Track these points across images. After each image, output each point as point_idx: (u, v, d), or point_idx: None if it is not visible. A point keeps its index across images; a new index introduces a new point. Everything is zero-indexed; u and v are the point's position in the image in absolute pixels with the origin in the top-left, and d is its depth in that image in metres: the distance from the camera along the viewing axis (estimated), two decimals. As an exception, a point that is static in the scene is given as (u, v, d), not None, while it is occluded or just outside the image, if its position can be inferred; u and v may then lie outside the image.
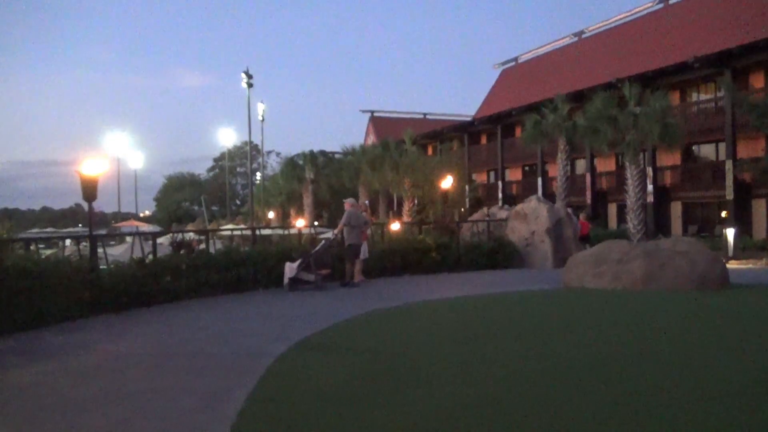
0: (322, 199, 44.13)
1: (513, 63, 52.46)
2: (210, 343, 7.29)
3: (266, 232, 19.56)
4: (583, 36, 45.17)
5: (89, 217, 10.08)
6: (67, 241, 12.63)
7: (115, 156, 58.18)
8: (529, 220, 17.26)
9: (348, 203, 12.91)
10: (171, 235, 11.94)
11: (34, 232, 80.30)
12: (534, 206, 17.45)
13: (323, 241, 12.70)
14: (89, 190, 9.77)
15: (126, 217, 69.49)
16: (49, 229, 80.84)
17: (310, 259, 12.16)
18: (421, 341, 7.02)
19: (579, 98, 29.90)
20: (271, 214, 50.53)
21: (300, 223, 41.79)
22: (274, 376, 5.60)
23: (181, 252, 11.64)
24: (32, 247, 10.02)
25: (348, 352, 6.62)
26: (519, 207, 18.03)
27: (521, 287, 11.78)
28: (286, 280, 12.05)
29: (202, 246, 13.25)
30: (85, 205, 10.20)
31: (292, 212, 47.61)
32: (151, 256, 11.07)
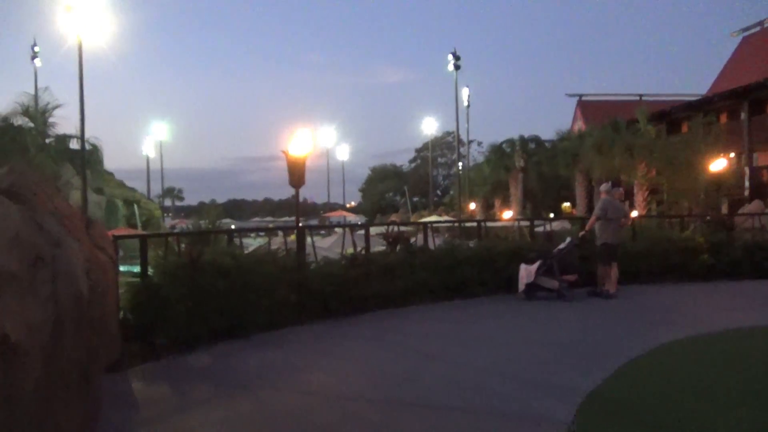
0: (529, 189, 40.90)
1: (757, 28, 44.22)
2: (446, 386, 5.14)
3: (492, 224, 17.13)
4: None
5: (296, 205, 8.62)
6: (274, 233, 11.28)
7: (324, 148, 60.72)
8: (838, 214, 12.83)
9: (604, 190, 10.06)
10: (386, 227, 10.12)
11: (254, 221, 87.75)
12: None
13: (568, 239, 10.05)
14: (296, 174, 8.27)
15: (334, 207, 72.48)
16: (267, 218, 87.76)
17: (552, 260, 9.61)
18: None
19: None
20: (472, 205, 48.40)
21: (507, 214, 39.29)
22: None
23: (398, 247, 9.79)
24: (236, 240, 8.79)
25: None
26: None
27: None
28: (521, 287, 9.65)
29: (413, 240, 11.33)
30: (299, 194, 8.81)
31: (497, 203, 45.05)
32: (361, 252, 9.35)
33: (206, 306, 6.87)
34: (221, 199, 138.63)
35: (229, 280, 7.13)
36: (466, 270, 9.82)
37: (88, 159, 23.67)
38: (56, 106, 21.50)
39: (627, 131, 27.24)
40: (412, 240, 10.62)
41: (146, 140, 53.01)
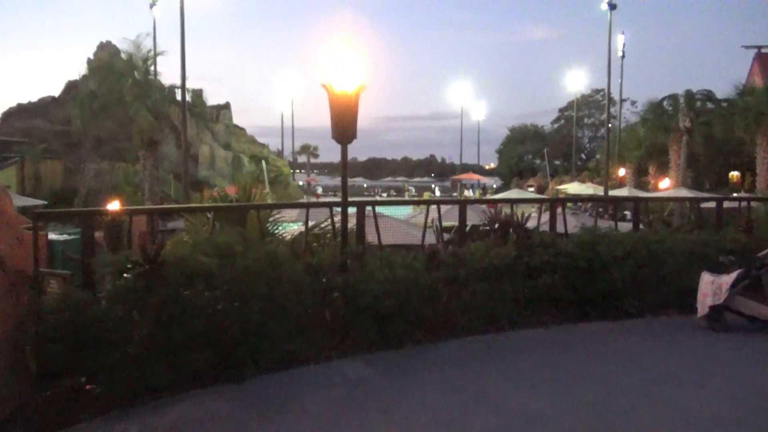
0: (691, 154, 34.59)
1: None
2: None
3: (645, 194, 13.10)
4: None
5: (343, 167, 5.64)
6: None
7: (461, 107, 57.09)
8: None
9: None
10: (494, 207, 6.91)
11: (386, 180, 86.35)
12: None
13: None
14: (344, 120, 5.28)
15: (467, 169, 68.77)
16: (399, 178, 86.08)
17: (762, 271, 5.90)
18: None
19: None
20: (621, 171, 42.62)
21: (664, 183, 33.68)
22: None
23: (507, 235, 6.54)
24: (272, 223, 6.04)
25: None
26: None
27: None
28: (702, 308, 6.06)
29: (529, 217, 7.95)
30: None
31: (651, 170, 39.05)
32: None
33: (170, 333, 4.22)
34: (361, 158, 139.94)
35: (214, 291, 4.42)
36: (614, 274, 6.37)
37: (202, 111, 22.43)
38: (159, 53, 20.12)
39: None
40: (531, 224, 7.30)
41: (282, 97, 52.22)
